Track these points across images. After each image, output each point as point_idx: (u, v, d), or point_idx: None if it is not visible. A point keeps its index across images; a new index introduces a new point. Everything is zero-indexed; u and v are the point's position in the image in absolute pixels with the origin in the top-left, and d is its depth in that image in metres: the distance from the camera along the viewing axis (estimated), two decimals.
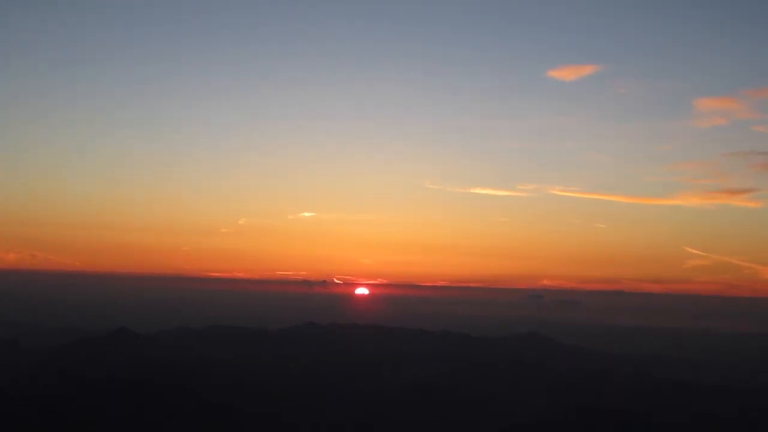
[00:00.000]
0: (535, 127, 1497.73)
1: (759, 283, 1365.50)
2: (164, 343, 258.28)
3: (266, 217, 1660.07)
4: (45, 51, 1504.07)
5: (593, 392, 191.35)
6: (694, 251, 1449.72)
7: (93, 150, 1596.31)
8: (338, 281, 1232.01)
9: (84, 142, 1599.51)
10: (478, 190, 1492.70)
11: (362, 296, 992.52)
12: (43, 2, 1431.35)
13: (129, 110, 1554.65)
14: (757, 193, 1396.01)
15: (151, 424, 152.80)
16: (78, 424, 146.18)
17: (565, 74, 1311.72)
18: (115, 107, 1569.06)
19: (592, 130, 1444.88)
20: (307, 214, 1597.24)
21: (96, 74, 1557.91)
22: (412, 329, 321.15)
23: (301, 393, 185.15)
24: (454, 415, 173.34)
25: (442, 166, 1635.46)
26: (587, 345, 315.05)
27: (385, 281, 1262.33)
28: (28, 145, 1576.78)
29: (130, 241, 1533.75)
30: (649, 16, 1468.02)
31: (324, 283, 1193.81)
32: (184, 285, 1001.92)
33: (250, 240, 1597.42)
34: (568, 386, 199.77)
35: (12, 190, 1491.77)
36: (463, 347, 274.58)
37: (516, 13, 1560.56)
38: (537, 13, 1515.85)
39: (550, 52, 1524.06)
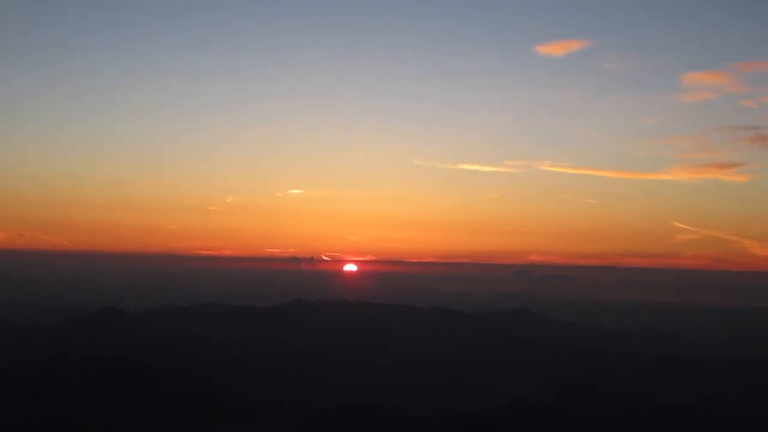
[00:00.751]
0: (524, 102, 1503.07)
1: (747, 257, 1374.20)
2: (153, 322, 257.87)
3: (254, 195, 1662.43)
4: (31, 32, 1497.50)
5: (583, 369, 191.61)
6: (683, 226, 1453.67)
7: (80, 129, 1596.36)
8: (326, 258, 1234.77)
9: (71, 121, 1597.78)
10: (466, 167, 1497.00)
11: (350, 273, 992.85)
12: None
13: (116, 89, 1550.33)
14: (745, 167, 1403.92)
15: (141, 403, 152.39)
16: (68, 403, 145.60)
17: (553, 49, 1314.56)
18: (102, 86, 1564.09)
19: (581, 106, 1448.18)
20: (295, 191, 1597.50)
21: (82, 54, 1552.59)
22: (399, 306, 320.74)
23: (287, 372, 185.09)
24: (444, 394, 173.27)
25: (430, 142, 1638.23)
26: (576, 320, 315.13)
27: (373, 258, 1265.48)
28: (14, 125, 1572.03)
29: (118, 220, 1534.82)
30: None
31: (312, 260, 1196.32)
32: (173, 263, 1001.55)
33: (238, 217, 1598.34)
34: (558, 363, 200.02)
35: None
36: (452, 324, 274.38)
37: None
38: None
39: (538, 27, 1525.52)
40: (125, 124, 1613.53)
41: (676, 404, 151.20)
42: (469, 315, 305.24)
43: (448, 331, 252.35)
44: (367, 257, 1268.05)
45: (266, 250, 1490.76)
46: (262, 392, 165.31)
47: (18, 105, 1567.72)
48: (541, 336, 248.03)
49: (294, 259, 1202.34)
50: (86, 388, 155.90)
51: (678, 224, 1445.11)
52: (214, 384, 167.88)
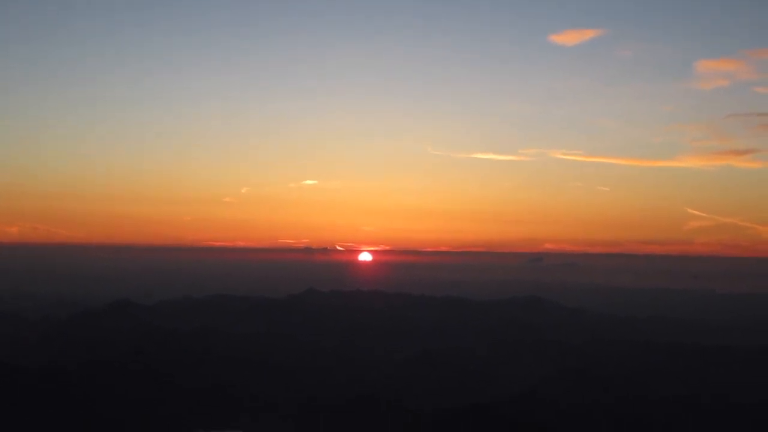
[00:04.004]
0: (538, 91, 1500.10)
1: (760, 244, 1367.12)
2: (167, 314, 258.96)
3: (268, 186, 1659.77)
4: (41, 22, 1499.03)
5: (595, 358, 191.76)
6: (696, 212, 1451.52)
7: (93, 121, 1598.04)
8: (340, 248, 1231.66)
9: (83, 113, 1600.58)
10: (480, 155, 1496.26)
11: (365, 263, 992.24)
12: None
13: (129, 80, 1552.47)
14: (758, 154, 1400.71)
15: (153, 394, 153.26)
16: (82, 394, 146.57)
17: (567, 39, 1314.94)
18: (115, 77, 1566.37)
19: (594, 94, 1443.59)
20: (309, 182, 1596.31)
21: (94, 43, 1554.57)
22: (414, 295, 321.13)
23: (299, 365, 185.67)
24: (454, 384, 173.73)
25: (444, 131, 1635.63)
26: (589, 308, 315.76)
27: (387, 248, 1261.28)
28: (26, 118, 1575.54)
29: (132, 212, 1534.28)
30: None
31: (326, 250, 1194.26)
32: (187, 255, 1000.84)
33: (252, 209, 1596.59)
34: (570, 352, 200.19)
35: (12, 163, 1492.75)
36: (465, 313, 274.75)
37: None
38: None
39: (552, 16, 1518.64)
40: (139, 116, 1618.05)
41: (689, 392, 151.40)
42: (483, 304, 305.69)
43: (462, 321, 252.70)
44: (382, 247, 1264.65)
45: (280, 240, 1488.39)
46: (273, 385, 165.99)
47: (31, 98, 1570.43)
48: (554, 324, 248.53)
49: (308, 250, 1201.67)
50: (99, 379, 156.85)
51: (691, 211, 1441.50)
52: (226, 377, 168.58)
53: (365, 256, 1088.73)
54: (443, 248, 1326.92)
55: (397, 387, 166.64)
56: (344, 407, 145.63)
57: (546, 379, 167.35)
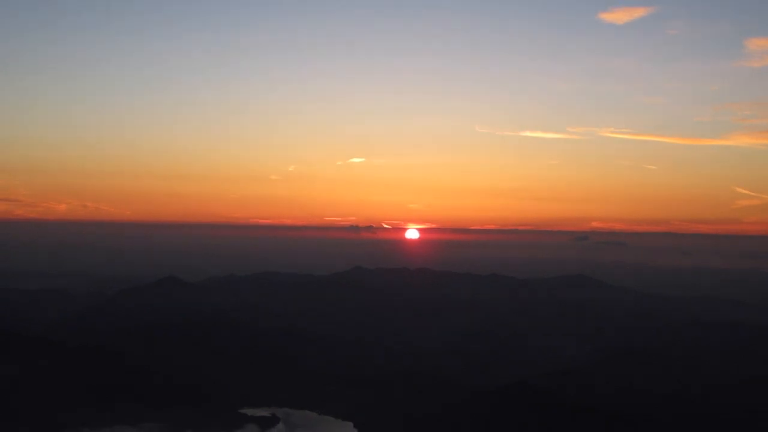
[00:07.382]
0: (587, 69, 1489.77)
1: None
2: (212, 290, 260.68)
3: (316, 164, 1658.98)
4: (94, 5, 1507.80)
5: (639, 336, 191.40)
6: (744, 191, 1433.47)
7: (142, 100, 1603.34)
8: (387, 226, 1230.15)
9: (133, 92, 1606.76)
10: (528, 133, 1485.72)
11: (411, 240, 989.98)
12: None
13: (178, 61, 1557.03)
14: None
15: (198, 368, 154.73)
16: (129, 367, 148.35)
17: (617, 17, 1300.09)
18: (165, 58, 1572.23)
19: (644, 72, 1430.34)
20: (356, 159, 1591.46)
21: (144, 25, 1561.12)
22: (460, 273, 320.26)
23: (344, 340, 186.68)
24: (503, 359, 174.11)
25: (492, 109, 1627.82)
26: (634, 286, 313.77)
27: (434, 225, 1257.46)
28: (76, 98, 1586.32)
29: (180, 190, 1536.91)
30: None
31: (371, 228, 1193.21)
32: (233, 233, 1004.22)
33: (299, 186, 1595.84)
34: (615, 330, 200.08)
35: (62, 142, 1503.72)
36: (512, 291, 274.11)
37: None
38: None
39: None
40: (186, 96, 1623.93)
41: (736, 371, 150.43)
42: (529, 281, 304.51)
43: (507, 299, 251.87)
44: (428, 225, 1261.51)
45: (326, 218, 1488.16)
46: (319, 358, 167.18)
47: (78, 77, 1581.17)
48: (599, 302, 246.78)
49: (354, 228, 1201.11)
50: (146, 354, 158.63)
51: (739, 190, 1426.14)
52: (272, 352, 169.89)
53: (412, 234, 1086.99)
54: (489, 226, 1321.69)
55: (442, 363, 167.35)
56: (388, 381, 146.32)
57: (590, 357, 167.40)
